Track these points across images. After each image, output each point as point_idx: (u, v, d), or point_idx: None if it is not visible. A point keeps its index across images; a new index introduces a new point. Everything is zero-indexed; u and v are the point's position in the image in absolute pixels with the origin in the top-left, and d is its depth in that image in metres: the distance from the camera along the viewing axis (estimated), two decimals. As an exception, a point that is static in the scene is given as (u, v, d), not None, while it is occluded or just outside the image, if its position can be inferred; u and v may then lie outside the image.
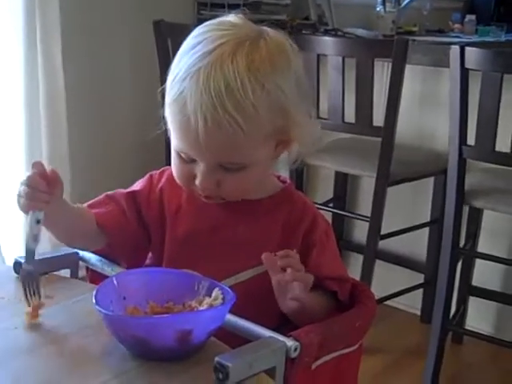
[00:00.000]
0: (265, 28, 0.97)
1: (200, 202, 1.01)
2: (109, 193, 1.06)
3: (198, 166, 0.94)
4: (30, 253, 0.92)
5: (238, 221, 1.00)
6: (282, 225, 1.00)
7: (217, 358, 0.76)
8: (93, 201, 1.05)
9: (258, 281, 0.91)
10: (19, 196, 0.90)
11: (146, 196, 1.04)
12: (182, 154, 0.95)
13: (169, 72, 0.96)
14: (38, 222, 0.90)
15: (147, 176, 1.07)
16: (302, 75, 0.97)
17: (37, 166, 0.91)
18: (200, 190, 0.96)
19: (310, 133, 0.98)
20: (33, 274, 0.92)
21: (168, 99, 0.94)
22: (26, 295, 0.91)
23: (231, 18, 0.97)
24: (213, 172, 0.94)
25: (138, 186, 1.06)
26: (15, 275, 1.02)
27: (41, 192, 0.89)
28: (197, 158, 0.94)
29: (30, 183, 0.89)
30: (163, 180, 1.05)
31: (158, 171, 1.07)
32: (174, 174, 0.99)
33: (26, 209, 0.90)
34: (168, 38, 2.47)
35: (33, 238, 0.91)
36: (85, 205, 1.04)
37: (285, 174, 1.10)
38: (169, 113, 0.95)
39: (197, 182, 0.95)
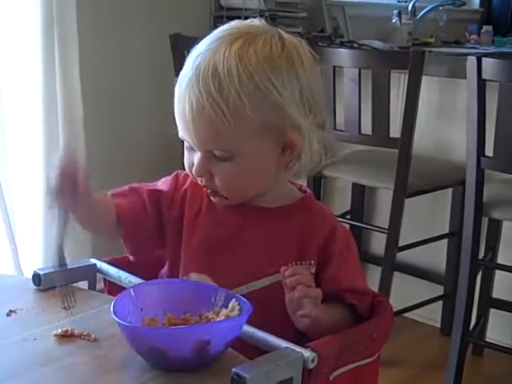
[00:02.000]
0: (283, 33, 0.97)
1: (219, 208, 1.01)
2: (133, 185, 1.06)
3: (196, 154, 0.96)
4: (60, 258, 0.95)
5: (255, 228, 1.00)
6: (299, 234, 0.99)
7: (234, 369, 0.76)
8: (116, 190, 1.05)
9: (274, 290, 0.91)
10: (49, 192, 0.91)
11: (169, 197, 1.04)
12: (185, 142, 0.97)
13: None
14: (65, 221, 0.93)
15: (174, 175, 1.07)
16: (311, 85, 0.96)
17: (69, 162, 0.91)
18: (199, 180, 0.98)
19: (319, 142, 0.97)
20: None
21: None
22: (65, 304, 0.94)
23: (250, 20, 0.99)
24: (206, 160, 0.95)
25: (163, 184, 1.06)
26: (34, 287, 1.02)
27: (69, 193, 0.91)
28: (190, 143, 0.96)
29: (60, 183, 0.90)
30: (188, 181, 1.05)
31: (184, 172, 1.06)
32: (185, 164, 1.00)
33: (54, 205, 0.92)
34: (184, 51, 2.48)
35: (60, 240, 0.95)
36: (111, 192, 1.05)
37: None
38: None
39: (193, 170, 0.97)
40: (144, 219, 1.03)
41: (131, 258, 1.08)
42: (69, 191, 0.91)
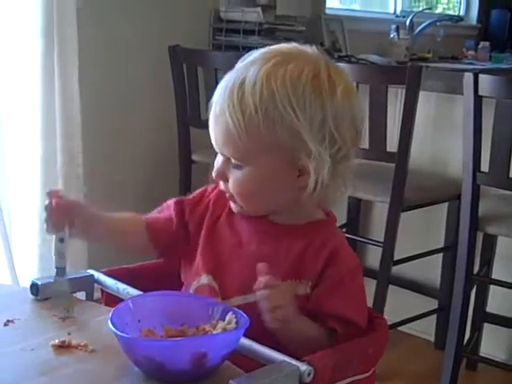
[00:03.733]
0: (327, 63, 0.98)
1: (236, 218, 1.05)
2: (171, 200, 1.12)
3: (219, 158, 1.01)
4: (59, 270, 1.02)
5: (263, 240, 1.02)
6: (301, 254, 1.00)
7: (231, 382, 0.76)
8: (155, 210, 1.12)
9: None
10: (44, 222, 1.01)
11: (192, 205, 1.09)
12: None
13: None
14: (62, 240, 1.00)
15: (203, 188, 1.12)
16: (338, 117, 0.96)
17: (51, 195, 1.01)
18: (219, 183, 1.03)
19: (334, 175, 0.98)
20: (66, 293, 1.01)
21: None
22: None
23: (307, 45, 1.01)
24: (224, 164, 1.00)
25: (191, 195, 1.11)
26: (31, 296, 1.03)
27: (56, 220, 1.00)
28: (214, 147, 1.01)
29: (46, 209, 1.00)
30: (214, 192, 1.09)
31: (214, 185, 1.10)
32: None
33: (49, 232, 1.02)
34: (183, 63, 2.51)
35: (58, 256, 1.01)
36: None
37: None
38: None
39: (213, 173, 1.02)
40: (170, 226, 1.08)
41: (166, 265, 1.13)
42: (59, 217, 1.00)
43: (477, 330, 2.24)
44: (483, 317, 2.27)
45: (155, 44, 2.67)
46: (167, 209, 1.10)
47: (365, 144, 2.13)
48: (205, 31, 2.94)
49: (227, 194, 1.03)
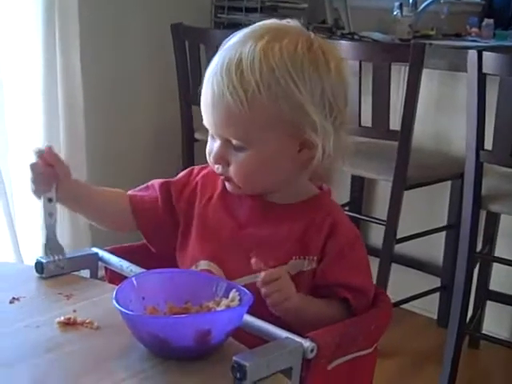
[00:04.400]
0: (316, 37, 0.99)
1: (230, 199, 1.04)
2: (152, 181, 1.11)
3: (216, 141, 0.99)
4: (49, 229, 1.03)
5: (262, 222, 1.01)
6: (302, 231, 1.00)
7: (234, 358, 0.77)
8: (138, 188, 1.11)
9: None
10: (30, 183, 1.00)
11: (179, 187, 1.08)
12: (209, 131, 1.00)
13: None
14: (50, 200, 1.01)
15: (189, 169, 1.11)
16: (335, 89, 0.97)
17: (37, 152, 1.00)
18: (216, 167, 1.00)
19: (336, 145, 0.98)
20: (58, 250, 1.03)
21: None
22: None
23: (287, 20, 1.01)
24: (224, 148, 0.98)
25: (177, 177, 1.10)
26: (36, 274, 1.03)
27: (44, 175, 1.00)
28: (211, 130, 0.99)
29: (32, 169, 1.00)
30: (201, 174, 1.08)
31: (201, 166, 1.10)
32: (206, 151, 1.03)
33: (35, 193, 1.02)
34: (185, 41, 2.50)
35: (48, 215, 1.02)
36: (130, 191, 1.10)
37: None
38: None
39: (211, 157, 1.00)
40: (157, 211, 1.07)
41: (152, 249, 1.10)
42: (46, 177, 0.99)
43: (479, 307, 2.25)
44: (486, 294, 2.27)
45: (157, 22, 2.65)
46: (152, 189, 1.09)
47: (368, 122, 2.13)
48: (207, 9, 2.92)
49: (222, 177, 1.02)
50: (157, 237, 1.09)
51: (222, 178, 1.03)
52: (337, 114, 0.98)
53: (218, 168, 1.01)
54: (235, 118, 0.94)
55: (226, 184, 1.03)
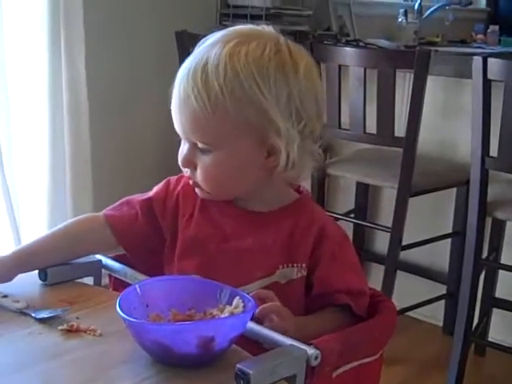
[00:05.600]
0: (285, 41, 0.98)
1: (211, 211, 1.02)
2: (127, 198, 1.09)
3: (185, 145, 0.99)
4: None
5: (247, 232, 1.00)
6: (288, 238, 0.99)
7: (238, 365, 0.76)
8: (111, 206, 1.08)
9: None
10: None
11: (161, 202, 1.06)
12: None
13: None
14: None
15: (165, 181, 1.09)
16: (303, 94, 0.95)
17: None
18: (185, 171, 1.01)
19: (301, 152, 0.97)
20: None
21: None
22: None
23: (260, 25, 1.01)
24: (191, 151, 0.98)
25: (154, 191, 1.08)
26: (40, 282, 1.03)
27: None
28: (179, 133, 0.99)
29: None
30: (180, 186, 1.07)
31: (176, 177, 1.08)
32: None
33: None
34: (190, 48, 2.49)
35: None
36: (104, 210, 1.08)
37: (305, 184, 1.10)
38: None
39: (179, 160, 0.99)
40: (138, 228, 1.05)
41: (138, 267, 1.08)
42: None
43: (485, 315, 2.24)
44: (492, 302, 2.26)
45: (162, 29, 2.66)
46: (128, 207, 1.07)
47: (372, 129, 2.13)
48: (212, 16, 2.93)
49: (191, 181, 1.01)
50: (141, 253, 1.07)
51: (192, 183, 1.02)
52: (306, 121, 0.96)
53: (186, 171, 1.01)
54: (200, 121, 0.94)
55: (196, 190, 1.02)
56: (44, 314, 0.92)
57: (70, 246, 1.06)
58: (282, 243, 0.99)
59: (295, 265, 0.98)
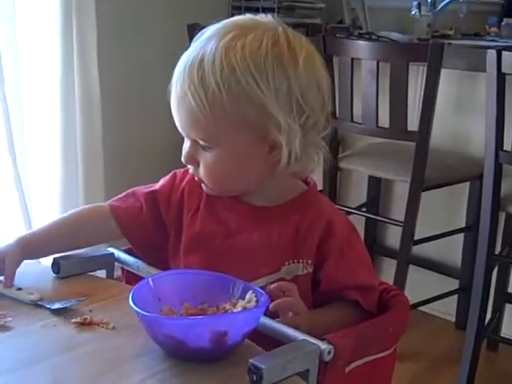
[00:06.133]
0: (286, 31, 0.95)
1: (217, 207, 1.02)
2: (133, 189, 1.08)
3: (187, 142, 0.98)
4: None
5: (253, 227, 0.99)
6: (294, 234, 0.98)
7: (251, 360, 0.76)
8: (117, 196, 1.08)
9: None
10: None
11: (166, 196, 1.05)
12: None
13: None
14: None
15: (171, 174, 1.08)
16: (304, 86, 0.93)
17: None
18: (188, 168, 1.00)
19: (304, 146, 0.95)
20: None
21: None
22: None
23: (260, 15, 0.99)
24: (192, 148, 0.97)
25: (160, 184, 1.07)
26: (53, 275, 1.04)
27: None
28: (179, 130, 0.98)
29: None
30: (186, 180, 1.06)
31: (183, 170, 1.07)
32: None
33: None
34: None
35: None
36: (109, 201, 1.07)
37: (317, 178, 1.09)
38: None
39: (182, 157, 0.98)
40: (142, 221, 1.05)
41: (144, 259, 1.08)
42: None
43: (498, 310, 2.23)
44: (505, 297, 2.25)
45: (174, 23, 2.65)
46: (134, 198, 1.06)
47: (385, 123, 2.12)
48: (224, 9, 2.92)
49: (196, 178, 1.00)
50: (145, 247, 1.07)
51: (196, 179, 1.01)
52: (309, 114, 0.94)
53: (190, 168, 1.00)
54: (198, 119, 0.93)
55: (203, 186, 1.01)
56: (59, 305, 0.93)
57: (73, 235, 1.06)
58: (288, 238, 0.98)
59: (301, 261, 0.98)
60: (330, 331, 0.87)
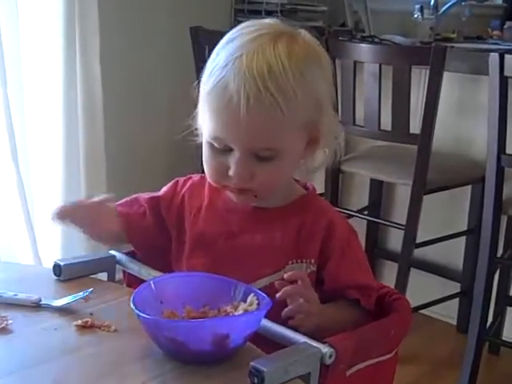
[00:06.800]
0: (300, 29, 0.99)
1: (218, 209, 1.02)
2: (136, 195, 1.09)
3: (232, 156, 0.94)
4: None
5: (255, 228, 1.00)
6: (297, 234, 0.99)
7: (252, 363, 0.76)
8: (123, 200, 1.09)
9: (273, 290, 0.91)
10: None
11: (168, 201, 1.06)
12: (216, 144, 0.95)
13: (204, 69, 0.98)
14: None
15: (173, 182, 1.09)
16: (331, 77, 0.99)
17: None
18: (233, 183, 0.95)
19: (335, 134, 1.00)
20: None
21: (207, 88, 0.95)
22: None
23: (267, 19, 1.00)
24: (247, 161, 0.93)
25: (163, 191, 1.08)
26: (54, 277, 1.04)
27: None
28: (233, 142, 0.93)
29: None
30: (187, 186, 1.07)
31: (184, 178, 1.08)
32: (206, 169, 0.99)
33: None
34: (205, 45, 2.50)
35: None
36: (116, 203, 1.08)
37: (320, 180, 1.10)
38: (207, 101, 0.95)
39: (231, 172, 0.94)
40: (146, 227, 1.06)
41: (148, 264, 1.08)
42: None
43: (499, 313, 2.23)
44: (506, 300, 2.25)
45: (177, 25, 2.66)
46: (137, 204, 1.07)
47: (387, 126, 2.12)
48: (227, 12, 2.92)
49: (235, 188, 0.96)
50: (149, 252, 1.08)
51: (228, 190, 0.98)
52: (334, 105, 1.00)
53: (238, 182, 0.95)
54: (272, 125, 0.91)
55: (235, 196, 0.99)
56: (67, 300, 0.93)
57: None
58: (291, 239, 0.99)
59: (304, 260, 0.98)
60: (336, 326, 0.90)
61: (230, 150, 0.94)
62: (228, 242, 1.00)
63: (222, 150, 0.95)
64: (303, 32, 0.98)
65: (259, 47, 0.92)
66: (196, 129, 1.02)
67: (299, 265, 0.98)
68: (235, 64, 0.91)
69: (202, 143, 0.99)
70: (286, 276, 0.91)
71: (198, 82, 0.98)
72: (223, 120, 0.93)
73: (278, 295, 0.89)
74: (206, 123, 0.97)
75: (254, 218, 1.00)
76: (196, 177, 1.08)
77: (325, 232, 0.99)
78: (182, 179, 1.08)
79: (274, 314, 0.88)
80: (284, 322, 0.90)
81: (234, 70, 0.91)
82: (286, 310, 0.90)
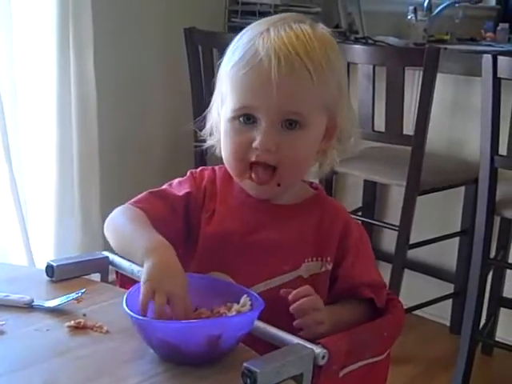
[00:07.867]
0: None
1: (234, 206, 1.01)
2: (152, 190, 1.04)
3: (256, 128, 0.94)
4: None
5: (270, 225, 1.00)
6: (314, 231, 1.00)
7: (245, 364, 0.76)
8: (137, 198, 1.03)
9: (291, 287, 0.91)
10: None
11: (195, 197, 1.02)
12: (241, 116, 0.95)
13: (223, 59, 1.00)
14: None
15: (189, 175, 1.05)
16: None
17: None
18: (257, 155, 0.94)
19: (351, 123, 1.02)
20: None
21: (230, 63, 0.97)
22: None
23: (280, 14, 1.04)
24: (272, 131, 0.93)
25: (184, 186, 1.03)
26: (47, 278, 1.03)
27: None
28: (261, 108, 0.93)
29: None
30: (205, 179, 1.04)
31: (198, 170, 1.06)
32: (229, 149, 0.97)
33: None
34: (199, 45, 2.50)
35: None
36: (128, 203, 1.02)
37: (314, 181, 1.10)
38: (230, 74, 0.96)
39: (256, 143, 0.93)
40: (172, 221, 1.01)
41: None
42: None
43: (492, 314, 2.23)
44: (499, 301, 2.25)
45: (171, 27, 2.65)
46: (165, 202, 1.01)
47: (381, 127, 2.12)
48: (220, 13, 2.92)
49: (257, 178, 0.96)
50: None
51: (250, 179, 0.97)
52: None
53: (262, 154, 0.94)
54: (302, 89, 0.93)
55: (255, 188, 0.98)
56: (60, 301, 0.93)
57: None
58: (308, 237, 0.99)
59: (320, 258, 0.99)
60: (345, 327, 0.90)
61: (254, 122, 0.94)
62: (243, 240, 0.99)
63: (246, 124, 0.95)
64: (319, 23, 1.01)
65: (285, 24, 0.95)
66: (200, 130, 1.02)
67: (315, 263, 0.98)
68: (263, 35, 0.94)
69: (216, 138, 1.02)
70: (290, 297, 0.90)
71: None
72: (252, 85, 0.93)
73: (292, 309, 0.89)
74: (228, 100, 0.97)
75: (271, 214, 1.00)
76: (207, 169, 1.05)
77: (342, 229, 1.00)
78: (195, 171, 1.05)
79: (275, 315, 0.87)
80: (285, 324, 0.89)
81: (262, 40, 0.94)
82: (297, 322, 0.90)
